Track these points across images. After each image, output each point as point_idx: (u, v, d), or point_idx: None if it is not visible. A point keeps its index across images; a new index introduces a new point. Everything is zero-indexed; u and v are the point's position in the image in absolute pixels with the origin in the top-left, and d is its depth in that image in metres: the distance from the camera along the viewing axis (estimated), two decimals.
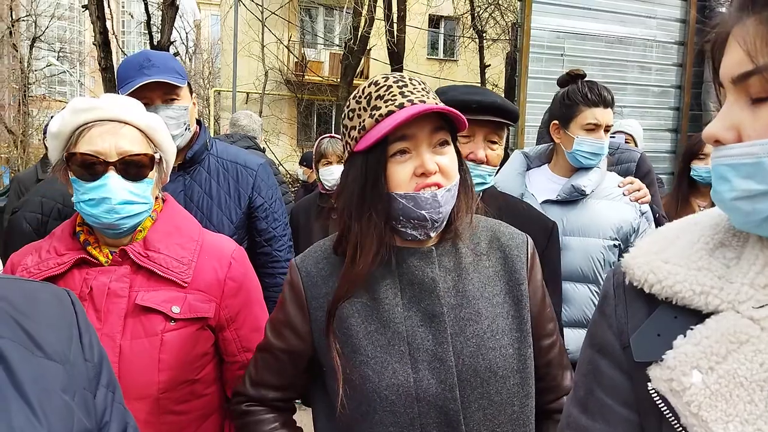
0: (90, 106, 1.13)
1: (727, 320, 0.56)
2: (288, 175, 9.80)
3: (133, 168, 1.15)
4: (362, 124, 0.96)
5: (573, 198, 1.83)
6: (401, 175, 0.95)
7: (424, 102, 0.94)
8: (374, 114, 0.94)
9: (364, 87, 0.99)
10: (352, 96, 1.01)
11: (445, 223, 1.00)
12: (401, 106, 0.92)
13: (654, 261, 0.64)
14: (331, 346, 0.99)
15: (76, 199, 1.14)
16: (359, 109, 0.97)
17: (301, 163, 5.15)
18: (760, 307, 0.55)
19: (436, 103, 0.95)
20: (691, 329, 0.58)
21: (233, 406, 1.14)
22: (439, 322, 0.97)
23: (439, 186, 0.95)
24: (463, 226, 1.03)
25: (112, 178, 1.12)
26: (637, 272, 0.64)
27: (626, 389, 0.64)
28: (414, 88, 0.96)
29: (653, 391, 0.59)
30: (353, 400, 0.97)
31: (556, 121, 1.88)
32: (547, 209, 1.80)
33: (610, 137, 2.04)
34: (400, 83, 0.96)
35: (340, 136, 2.97)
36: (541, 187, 1.90)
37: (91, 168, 1.12)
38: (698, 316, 0.59)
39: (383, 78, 0.98)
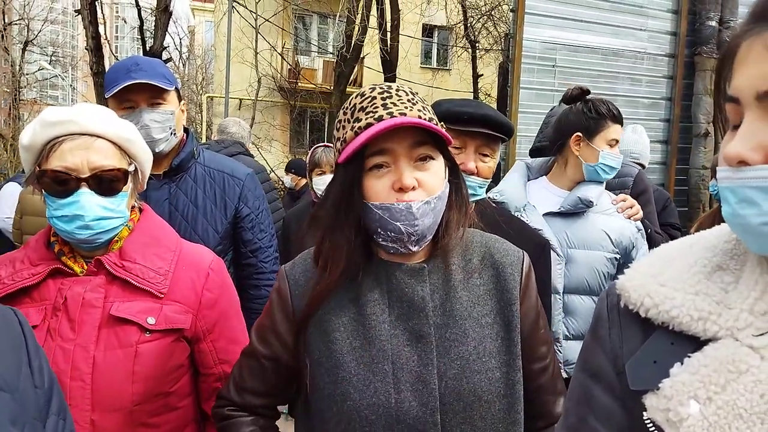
0: (60, 120, 1.09)
1: (726, 348, 0.54)
2: (280, 182, 9.75)
3: (107, 183, 1.11)
4: (344, 136, 0.94)
5: (577, 210, 1.84)
6: (378, 189, 0.93)
7: (405, 114, 0.90)
8: (355, 126, 0.92)
9: (352, 98, 0.97)
10: (342, 106, 1.00)
11: (430, 237, 0.97)
12: (380, 119, 0.89)
13: (650, 284, 0.61)
14: (301, 357, 0.99)
15: (49, 214, 1.11)
16: (344, 121, 0.95)
17: (287, 170, 5.06)
18: (760, 335, 0.53)
19: (420, 116, 0.91)
20: (689, 357, 0.55)
21: (216, 409, 1.12)
22: (426, 343, 0.94)
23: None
24: (454, 241, 0.99)
25: (85, 194, 1.09)
26: (633, 295, 0.62)
27: (619, 417, 0.62)
28: (399, 99, 0.93)
29: (649, 420, 0.56)
30: (333, 416, 0.94)
31: (579, 133, 1.86)
32: (549, 221, 1.80)
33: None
34: (385, 95, 0.93)
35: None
36: (541, 198, 1.90)
37: (63, 184, 1.09)
38: (696, 342, 0.56)
39: (370, 89, 0.96)
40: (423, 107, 0.95)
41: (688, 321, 0.56)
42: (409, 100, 0.93)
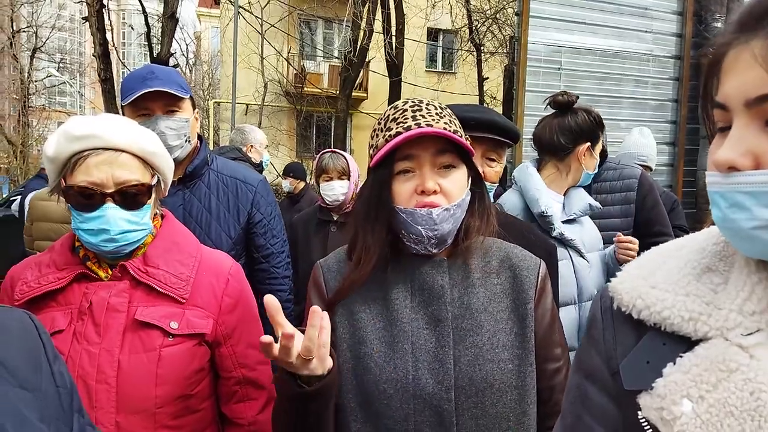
0: (85, 134, 1.10)
1: (716, 348, 0.56)
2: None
3: (131, 197, 1.13)
4: (377, 143, 1.04)
5: (585, 215, 1.91)
6: (403, 192, 1.02)
7: (431, 126, 0.99)
8: (386, 134, 1.02)
9: (387, 110, 1.08)
10: (379, 117, 1.10)
11: (450, 241, 1.05)
12: (408, 129, 0.99)
13: (642, 286, 0.63)
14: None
15: (74, 225, 1.13)
16: (378, 130, 1.06)
17: (286, 174, 4.89)
18: (749, 334, 0.55)
19: (445, 128, 1.00)
20: (681, 357, 0.58)
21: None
22: (444, 327, 1.01)
23: (436, 205, 1.00)
24: (474, 245, 1.07)
25: (110, 209, 1.11)
26: (625, 297, 0.64)
27: (615, 416, 0.64)
28: (427, 113, 1.02)
29: (643, 419, 0.58)
30: (353, 388, 1.02)
31: (589, 143, 1.88)
32: (565, 228, 1.82)
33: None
34: (415, 108, 1.03)
35: (340, 152, 3.00)
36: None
37: (89, 198, 1.10)
38: (687, 342, 0.59)
39: (403, 102, 1.06)
40: (450, 121, 1.04)
41: (679, 322, 0.58)
42: (437, 114, 1.03)
